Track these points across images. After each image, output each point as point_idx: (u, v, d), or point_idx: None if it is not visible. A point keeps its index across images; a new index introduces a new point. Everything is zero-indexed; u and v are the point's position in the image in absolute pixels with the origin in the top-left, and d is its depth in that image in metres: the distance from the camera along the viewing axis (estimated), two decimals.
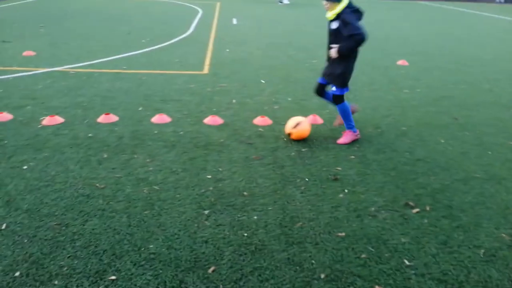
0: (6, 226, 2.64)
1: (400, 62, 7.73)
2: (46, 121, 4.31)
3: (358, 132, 4.14)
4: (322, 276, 2.32)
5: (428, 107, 5.27)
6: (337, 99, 4.00)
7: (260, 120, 4.56)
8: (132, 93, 5.38)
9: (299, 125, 4.03)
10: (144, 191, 3.11)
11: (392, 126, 4.58)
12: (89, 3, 16.31)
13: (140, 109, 4.84)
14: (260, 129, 4.38)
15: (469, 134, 4.43)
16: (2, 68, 6.34)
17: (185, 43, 8.91)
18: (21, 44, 8.15)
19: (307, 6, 18.26)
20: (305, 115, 4.79)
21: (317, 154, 3.83)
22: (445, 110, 5.18)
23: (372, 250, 2.54)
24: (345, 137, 4.08)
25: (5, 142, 3.83)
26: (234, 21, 12.71)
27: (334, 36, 3.83)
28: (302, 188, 3.24)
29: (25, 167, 3.39)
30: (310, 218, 2.84)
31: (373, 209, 2.98)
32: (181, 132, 4.22)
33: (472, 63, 7.98)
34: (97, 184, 3.17)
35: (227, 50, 8.37)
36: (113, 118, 4.48)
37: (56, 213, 2.79)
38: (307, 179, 3.37)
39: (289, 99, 5.42)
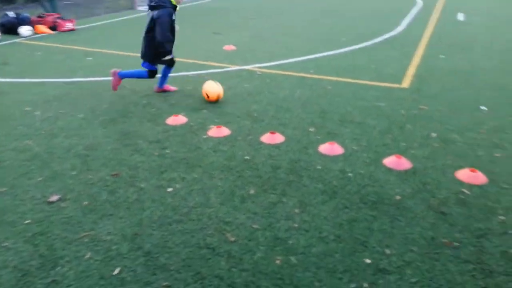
0: (119, 271, 2.34)
1: None
2: (213, 131, 4.05)
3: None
4: None
5: None
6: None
7: (468, 175, 3.18)
8: (309, 106, 4.68)
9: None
10: (277, 261, 2.38)
11: None
12: None
13: (311, 130, 4.09)
14: (464, 190, 3.03)
15: None
16: (200, 62, 6.61)
17: (390, 44, 7.64)
18: (227, 36, 8.51)
19: None
20: None
21: None
22: None
23: None
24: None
25: (167, 152, 3.71)
26: (461, 17, 10.46)
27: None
28: None
29: (170, 189, 3.12)
30: None
31: None
32: (350, 174, 3.28)
33: None
34: (228, 235, 2.61)
35: (442, 56, 6.72)
36: (279, 138, 3.89)
37: (172, 268, 2.34)
38: None
39: None
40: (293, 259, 2.40)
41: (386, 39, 8.08)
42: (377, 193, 3.03)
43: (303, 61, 6.59)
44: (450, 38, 8.05)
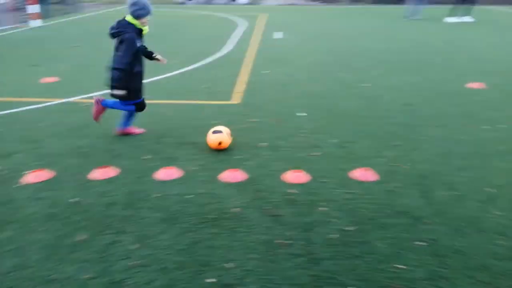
0: None
1: (472, 85, 6.32)
2: (30, 177, 3.53)
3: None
4: None
5: None
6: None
7: (293, 176, 3.50)
8: (145, 133, 4.53)
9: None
10: None
11: (472, 186, 3.33)
12: None
13: (147, 157, 3.95)
14: (292, 190, 3.31)
15: None
16: (12, 99, 5.79)
17: (220, 64, 8.05)
18: (48, 67, 7.70)
19: (367, 15, 16.92)
20: (354, 166, 3.68)
21: (369, 238, 2.69)
22: None
23: None
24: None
25: None
26: (279, 35, 11.73)
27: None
28: None
29: None
30: None
31: None
32: (189, 196, 3.26)
33: None
34: None
35: (265, 72, 7.38)
36: (111, 172, 3.63)
37: None
38: None
39: (334, 141, 4.30)
40: None
41: (215, 60, 8.48)
42: (217, 209, 3.07)
43: None
44: (271, 54, 8.92)
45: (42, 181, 3.48)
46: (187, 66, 7.78)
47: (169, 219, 2.95)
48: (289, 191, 3.30)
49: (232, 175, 3.52)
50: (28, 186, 3.42)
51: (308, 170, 3.62)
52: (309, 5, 24.21)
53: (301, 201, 3.16)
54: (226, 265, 2.46)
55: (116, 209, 3.08)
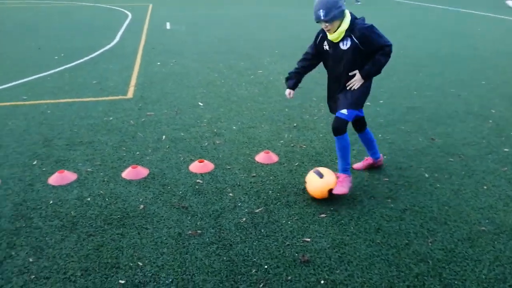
0: None
1: None
2: None
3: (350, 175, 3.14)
4: None
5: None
6: (341, 126, 2.94)
7: (198, 166, 3.50)
8: (27, 137, 4.09)
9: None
10: None
11: (359, 158, 3.72)
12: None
13: (34, 163, 3.58)
14: (198, 180, 3.32)
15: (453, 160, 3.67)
16: None
17: (108, 57, 7.57)
18: None
19: (262, 3, 17.28)
20: (256, 150, 3.82)
21: (276, 217, 2.84)
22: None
23: None
24: (342, 184, 3.00)
25: None
26: (168, 26, 11.43)
27: (346, 59, 2.94)
28: (261, 285, 2.24)
29: None
30: None
31: None
32: (88, 198, 3.06)
33: None
34: None
35: (158, 63, 7.16)
36: None
37: None
38: (266, 266, 2.37)
39: (234, 127, 4.39)
40: None
41: (103, 52, 7.96)
42: (120, 209, 2.93)
43: (10, 88, 5.70)
44: (162, 45, 8.68)
45: None
46: (72, 61, 7.17)
47: (68, 225, 2.73)
48: (196, 181, 3.30)
49: (133, 172, 3.38)
50: None
51: (211, 159, 3.65)
52: None
53: (208, 190, 3.18)
54: (139, 263, 2.38)
55: (4, 222, 2.75)
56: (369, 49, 2.86)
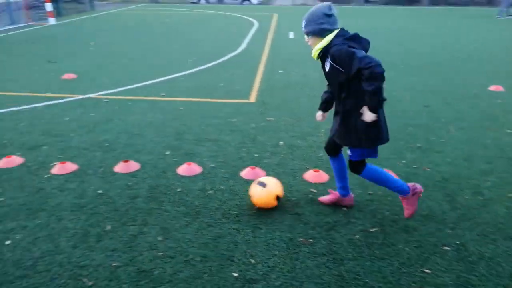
0: None
1: (493, 88, 6.29)
2: (56, 169, 3.62)
3: (416, 186, 2.79)
4: None
5: None
6: (356, 166, 2.73)
7: (313, 176, 3.53)
8: (163, 130, 4.60)
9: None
10: None
11: (497, 190, 3.33)
12: (139, 18, 16.31)
13: (167, 153, 4.02)
14: (312, 190, 3.35)
15: None
16: (35, 94, 5.91)
17: (235, 63, 8.11)
18: (66, 64, 7.84)
19: (379, 14, 16.80)
20: None
21: (393, 240, 2.71)
22: None
23: None
24: (408, 205, 2.77)
25: (1, 199, 3.16)
26: (291, 35, 11.77)
27: (332, 81, 2.69)
28: None
29: (8, 242, 2.66)
30: None
31: None
32: (210, 191, 3.32)
33: None
34: (85, 279, 2.34)
35: (280, 71, 7.42)
36: (133, 166, 3.70)
37: None
38: None
39: None
40: None
41: (231, 58, 8.55)
42: (238, 205, 3.12)
43: (152, 85, 6.47)
44: (285, 54, 8.96)
45: (68, 173, 3.57)
46: (203, 64, 7.85)
47: (192, 213, 3.00)
48: (310, 189, 3.34)
49: (252, 172, 3.56)
50: (56, 177, 3.51)
51: (326, 170, 3.64)
52: None
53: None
54: (251, 260, 2.51)
55: (140, 202, 3.14)
56: (352, 72, 2.43)
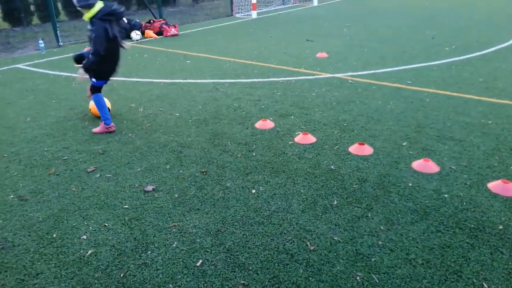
0: (201, 264, 2.43)
1: None
2: (299, 138, 4.03)
3: (112, 125, 4.33)
4: None
5: None
6: (93, 89, 4.27)
7: None
8: (403, 120, 4.42)
9: None
10: (357, 277, 2.27)
11: None
12: (399, 2, 15.71)
13: (404, 144, 3.86)
14: None
15: None
16: (290, 68, 6.64)
17: (503, 56, 6.91)
18: (320, 43, 8.45)
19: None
20: None
21: None
22: None
23: None
24: (102, 129, 4.31)
25: (253, 154, 3.77)
26: None
27: (89, 39, 3.99)
28: None
29: (253, 191, 3.17)
30: None
31: None
32: (446, 195, 3.01)
33: None
34: (308, 243, 2.56)
35: None
36: (367, 150, 3.73)
37: (250, 268, 2.37)
38: None
39: None
40: (375, 277, 2.27)
41: (497, 50, 7.33)
42: (477, 219, 2.73)
43: (399, 71, 6.26)
44: None
45: (307, 144, 3.92)
46: (461, 55, 7.03)
47: (420, 212, 2.82)
48: None
49: (503, 187, 3.03)
50: (297, 145, 3.92)
51: None
52: None
53: None
54: (484, 284, 2.18)
55: (367, 186, 3.17)
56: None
